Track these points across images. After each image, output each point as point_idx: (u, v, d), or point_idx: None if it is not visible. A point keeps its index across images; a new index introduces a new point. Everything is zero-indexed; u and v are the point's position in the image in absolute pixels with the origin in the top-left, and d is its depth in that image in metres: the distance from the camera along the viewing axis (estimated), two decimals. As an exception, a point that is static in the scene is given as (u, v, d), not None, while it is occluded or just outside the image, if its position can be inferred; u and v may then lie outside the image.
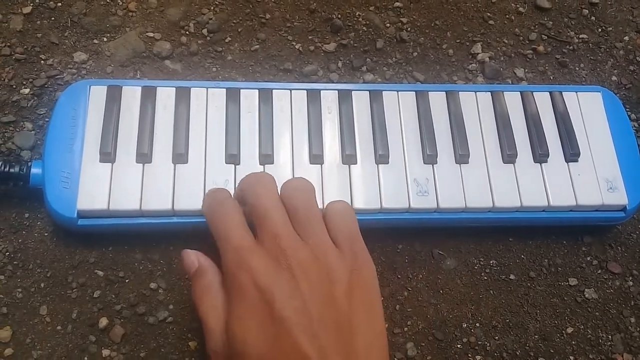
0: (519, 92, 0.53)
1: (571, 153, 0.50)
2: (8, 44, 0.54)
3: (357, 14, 0.60)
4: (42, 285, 0.46)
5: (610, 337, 0.50)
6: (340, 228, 0.40)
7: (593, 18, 0.63)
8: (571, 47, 0.61)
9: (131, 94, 0.49)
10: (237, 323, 0.35)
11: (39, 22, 0.56)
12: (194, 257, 0.40)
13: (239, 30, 0.58)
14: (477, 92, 0.52)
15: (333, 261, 0.38)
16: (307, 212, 0.39)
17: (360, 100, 0.51)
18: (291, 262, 0.36)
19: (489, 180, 0.49)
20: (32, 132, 0.51)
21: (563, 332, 0.49)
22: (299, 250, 0.37)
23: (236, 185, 0.46)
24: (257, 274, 0.36)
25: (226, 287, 0.38)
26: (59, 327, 0.45)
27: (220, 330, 0.37)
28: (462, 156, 0.49)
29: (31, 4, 0.56)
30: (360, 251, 0.39)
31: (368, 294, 0.38)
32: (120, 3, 0.57)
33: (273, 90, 0.50)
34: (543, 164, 0.50)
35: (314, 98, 0.50)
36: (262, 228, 0.38)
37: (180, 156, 0.46)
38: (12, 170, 0.46)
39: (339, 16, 0.60)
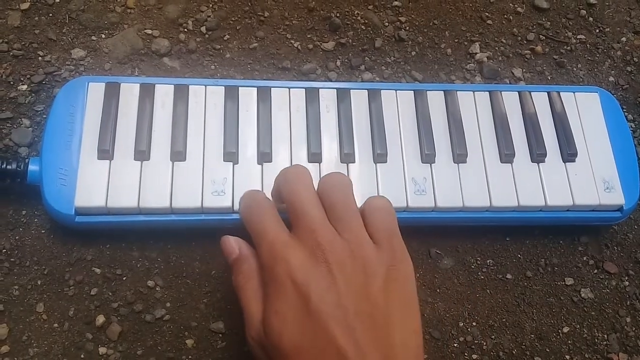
0: (516, 92, 0.53)
1: (568, 153, 0.51)
2: (5, 40, 0.54)
3: (355, 12, 0.60)
4: (39, 282, 0.46)
5: (606, 336, 0.50)
6: (379, 224, 0.39)
7: (591, 19, 0.63)
8: (569, 48, 0.61)
9: (129, 91, 0.48)
10: (274, 316, 0.36)
11: (36, 18, 0.55)
12: (234, 244, 0.41)
13: (238, 28, 0.58)
14: (475, 92, 0.53)
15: (370, 256, 0.37)
16: (345, 208, 0.39)
17: (359, 99, 0.51)
18: (328, 257, 0.36)
19: (487, 180, 0.49)
20: (30, 128, 0.51)
21: (559, 331, 0.49)
22: (336, 244, 0.37)
23: (234, 183, 0.46)
24: (294, 268, 0.36)
25: (263, 280, 0.38)
26: (55, 325, 0.45)
27: (259, 320, 0.37)
28: (459, 155, 0.49)
29: (29, 0, 0.56)
30: (398, 248, 0.39)
31: (405, 290, 0.38)
32: (119, 0, 0.57)
33: (272, 89, 0.50)
34: (540, 164, 0.50)
35: (312, 96, 0.50)
36: (298, 223, 0.38)
37: (178, 154, 0.46)
38: (9, 167, 0.45)
39: (338, 15, 0.60)
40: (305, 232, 0.38)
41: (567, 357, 0.49)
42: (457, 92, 0.52)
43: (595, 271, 0.52)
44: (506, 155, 0.50)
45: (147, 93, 0.48)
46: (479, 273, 0.51)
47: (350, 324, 0.35)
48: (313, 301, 0.35)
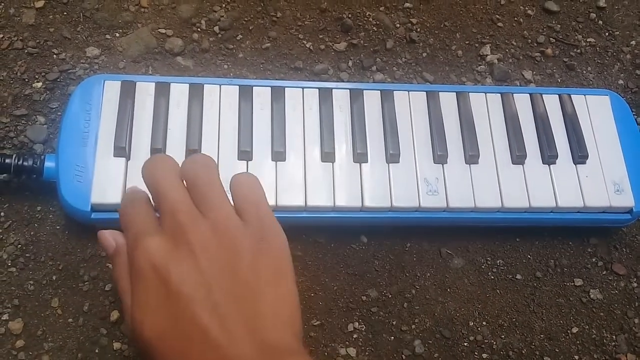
0: (528, 94, 0.54)
1: (579, 155, 0.51)
2: (21, 37, 0.54)
3: (367, 14, 0.60)
4: (54, 277, 0.46)
5: (614, 337, 0.50)
6: (245, 199, 0.38)
7: (600, 22, 0.64)
8: (579, 51, 0.62)
9: (145, 90, 0.49)
10: (135, 306, 0.34)
11: (51, 16, 0.56)
12: (110, 237, 0.38)
13: (250, 28, 0.58)
14: (487, 94, 0.53)
15: (235, 232, 0.36)
16: (207, 186, 0.38)
17: (372, 99, 0.51)
18: (190, 238, 0.35)
19: (498, 181, 0.49)
20: (45, 125, 0.51)
21: (568, 331, 0.50)
22: (198, 224, 0.36)
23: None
24: (153, 253, 0.34)
25: (130, 272, 0.37)
26: (70, 320, 0.45)
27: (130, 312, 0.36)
28: (471, 156, 0.50)
29: (44, -2, 0.56)
30: (266, 221, 0.37)
31: (275, 261, 0.36)
32: (133, -1, 0.58)
33: (285, 89, 0.51)
34: (551, 166, 0.51)
35: (325, 96, 0.51)
36: (161, 208, 0.37)
37: (193, 152, 0.47)
38: (25, 163, 0.46)
39: (350, 16, 0.60)
40: (166, 215, 0.36)
41: (576, 357, 0.49)
42: (469, 93, 0.53)
43: (604, 272, 0.53)
44: (518, 156, 0.50)
45: (162, 92, 0.49)
46: (489, 273, 0.51)
47: (214, 302, 0.33)
48: (173, 283, 0.33)
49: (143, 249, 0.35)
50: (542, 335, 0.49)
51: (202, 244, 0.35)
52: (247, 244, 0.36)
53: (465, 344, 0.48)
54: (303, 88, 0.51)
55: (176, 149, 0.47)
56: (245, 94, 0.50)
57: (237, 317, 0.33)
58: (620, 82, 0.61)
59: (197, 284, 0.34)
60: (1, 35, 0.54)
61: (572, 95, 0.54)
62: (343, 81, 0.57)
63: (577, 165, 0.51)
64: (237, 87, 0.50)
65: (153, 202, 0.38)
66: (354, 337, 0.48)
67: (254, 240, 0.36)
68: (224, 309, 0.33)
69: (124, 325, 0.37)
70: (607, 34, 0.63)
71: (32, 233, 0.48)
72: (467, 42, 0.61)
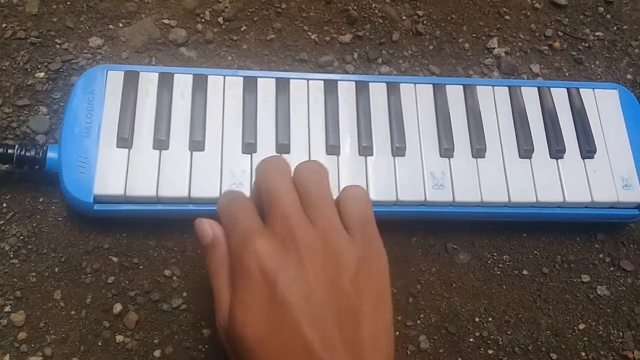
0: (536, 88, 0.53)
1: (587, 150, 0.50)
2: (23, 27, 0.54)
3: (373, 5, 0.60)
4: (56, 269, 0.46)
5: (621, 333, 0.50)
6: (353, 213, 0.37)
7: (608, 16, 0.63)
8: (587, 44, 0.61)
9: (148, 80, 0.48)
10: (238, 305, 0.34)
11: (54, 6, 0.55)
12: (208, 227, 0.38)
13: (255, 19, 0.58)
14: (495, 87, 0.52)
15: (342, 246, 0.36)
16: (318, 195, 0.38)
17: (378, 92, 0.51)
18: (298, 244, 0.35)
19: (505, 175, 0.49)
20: (47, 116, 0.51)
21: (575, 328, 0.49)
22: (308, 232, 0.35)
23: (252, 175, 0.46)
24: (262, 256, 0.34)
25: (232, 268, 0.36)
26: (72, 312, 0.45)
27: (227, 308, 0.35)
28: (478, 150, 0.49)
29: (47, -12, 0.56)
30: (372, 239, 0.37)
31: (377, 283, 0.36)
32: (136, -11, 0.57)
33: (290, 80, 0.50)
34: (559, 160, 0.50)
35: (331, 89, 0.50)
36: (271, 211, 0.37)
37: (197, 144, 0.46)
38: (28, 154, 0.45)
39: (355, 7, 0.59)
40: (277, 219, 0.36)
41: (583, 354, 0.48)
42: (477, 86, 0.52)
43: (612, 268, 0.52)
44: (525, 150, 0.50)
45: (166, 82, 0.48)
46: (495, 268, 0.51)
47: (318, 316, 0.33)
48: (280, 290, 0.33)
49: (253, 251, 0.34)
50: (548, 332, 0.49)
51: (310, 252, 0.35)
52: (351, 260, 0.35)
53: (471, 339, 0.48)
54: (308, 80, 0.50)
55: (179, 141, 0.46)
56: (250, 86, 0.49)
57: (339, 335, 0.33)
58: (629, 76, 0.60)
59: (302, 294, 0.33)
60: (4, 25, 0.53)
61: (580, 89, 0.53)
62: (348, 73, 0.56)
63: (585, 160, 0.51)
64: (242, 78, 0.50)
65: (263, 202, 0.38)
66: (359, 331, 0.47)
67: (358, 258, 0.36)
68: (327, 326, 0.33)
69: (216, 318, 0.36)
70: (615, 28, 0.63)
71: (34, 224, 0.47)
72: (474, 35, 0.60)
